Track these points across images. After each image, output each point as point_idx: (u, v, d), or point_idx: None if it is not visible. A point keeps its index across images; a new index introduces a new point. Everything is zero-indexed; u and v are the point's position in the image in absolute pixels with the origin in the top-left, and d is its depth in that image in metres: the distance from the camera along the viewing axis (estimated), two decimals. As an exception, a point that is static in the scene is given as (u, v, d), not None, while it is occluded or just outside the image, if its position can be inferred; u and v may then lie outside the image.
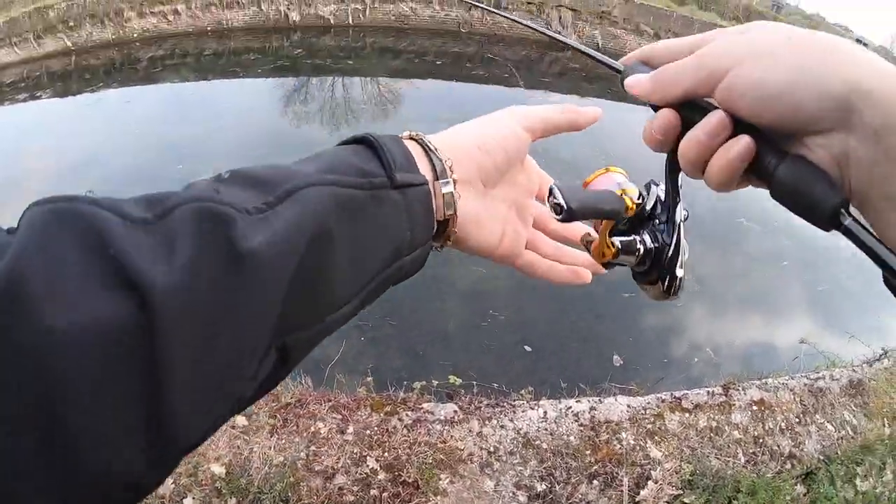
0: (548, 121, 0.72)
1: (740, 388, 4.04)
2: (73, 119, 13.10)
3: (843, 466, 3.76)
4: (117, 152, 10.61)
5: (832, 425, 4.04)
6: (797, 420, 3.97)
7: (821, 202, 0.46)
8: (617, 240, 0.67)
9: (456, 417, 3.72)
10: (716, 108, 0.53)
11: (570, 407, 3.80)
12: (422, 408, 3.80)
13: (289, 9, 18.39)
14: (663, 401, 3.89)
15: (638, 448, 3.58)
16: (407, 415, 3.73)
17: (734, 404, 3.93)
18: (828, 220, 0.46)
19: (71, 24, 16.62)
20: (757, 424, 3.84)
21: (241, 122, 12.20)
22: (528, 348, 5.72)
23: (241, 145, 10.77)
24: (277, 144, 10.92)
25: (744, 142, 0.51)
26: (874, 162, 0.44)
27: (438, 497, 3.30)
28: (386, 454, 3.47)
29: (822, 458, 3.84)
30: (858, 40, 28.07)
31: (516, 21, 1.05)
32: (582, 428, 3.67)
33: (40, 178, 10.02)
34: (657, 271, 0.66)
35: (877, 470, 3.79)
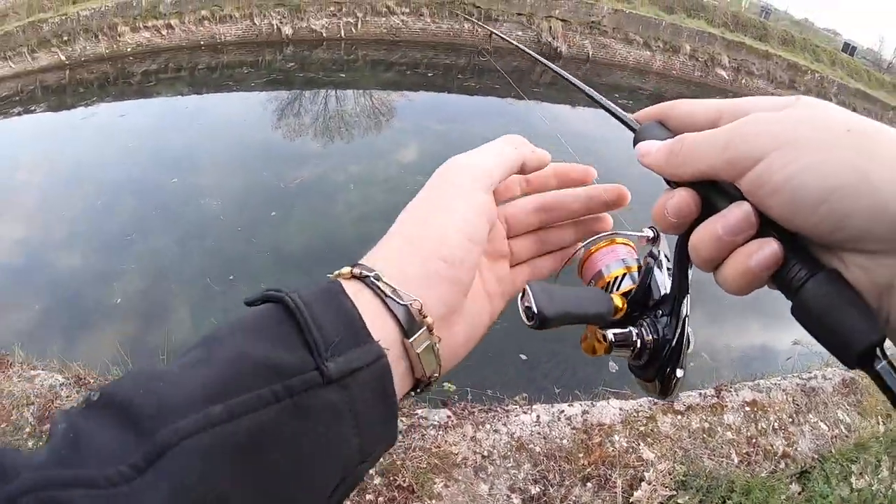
0: (513, 168, 0.60)
1: (732, 390, 4.07)
2: (67, 133, 13.12)
3: (838, 465, 3.79)
4: (111, 165, 10.65)
5: (826, 424, 4.06)
6: (790, 420, 4.00)
7: (852, 337, 0.38)
8: (610, 333, 0.59)
9: (450, 422, 3.73)
10: (742, 196, 0.44)
11: (563, 411, 3.82)
12: (416, 413, 3.81)
13: (281, 23, 18.48)
14: (655, 403, 3.91)
15: (631, 450, 3.60)
16: (401, 420, 3.74)
17: (726, 405, 3.96)
18: (856, 358, 0.38)
19: (65, 38, 16.65)
20: (750, 425, 3.87)
21: (234, 135, 12.25)
22: (524, 356, 5.74)
23: (234, 158, 10.82)
24: (271, 157, 10.98)
25: (770, 249, 0.42)
26: None
27: (433, 501, 3.31)
28: (381, 459, 3.48)
29: (816, 456, 3.86)
30: (847, 44, 28.27)
31: (528, 52, 0.93)
32: (575, 431, 3.69)
33: (33, 190, 10.05)
34: (654, 369, 0.59)
35: (872, 467, 3.82)
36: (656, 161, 0.51)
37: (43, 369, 4.29)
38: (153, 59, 17.22)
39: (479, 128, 12.63)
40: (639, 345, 0.59)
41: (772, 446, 3.81)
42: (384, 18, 18.93)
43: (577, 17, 19.81)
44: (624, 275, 0.64)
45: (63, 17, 16.78)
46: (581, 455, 3.55)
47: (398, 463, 3.43)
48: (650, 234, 0.61)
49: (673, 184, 0.50)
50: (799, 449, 3.84)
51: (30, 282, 7.65)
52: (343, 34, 18.91)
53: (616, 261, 0.66)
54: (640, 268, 0.64)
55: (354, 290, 0.47)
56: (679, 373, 0.58)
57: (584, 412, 3.81)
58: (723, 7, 24.70)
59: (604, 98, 0.64)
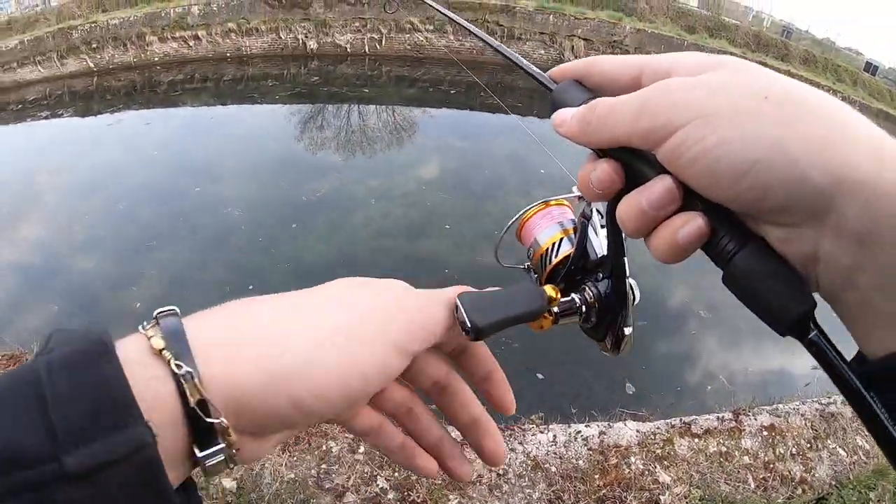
0: (443, 327, 0.50)
1: (751, 414, 4.04)
2: (92, 138, 13.32)
3: (856, 491, 3.73)
4: (134, 172, 10.80)
5: (844, 450, 4.02)
6: (808, 445, 3.95)
7: (784, 307, 0.39)
8: (554, 305, 0.59)
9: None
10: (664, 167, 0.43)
11: (580, 431, 3.81)
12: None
13: (306, 37, 18.70)
14: (673, 426, 3.90)
15: (647, 472, 3.58)
16: (417, 437, 3.74)
17: (744, 430, 3.92)
18: (788, 328, 0.39)
19: (94, 45, 16.97)
20: (767, 450, 3.83)
21: (257, 146, 12.37)
22: (540, 376, 5.73)
23: (257, 169, 10.92)
24: (292, 169, 11.07)
25: (696, 224, 0.42)
26: (855, 268, 0.36)
27: (448, 517, 3.31)
28: (396, 474, 3.48)
29: (834, 483, 3.81)
30: (869, 63, 28.07)
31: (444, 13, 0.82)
32: (591, 452, 3.67)
33: (57, 193, 10.19)
34: (604, 328, 0.60)
35: (890, 495, 3.76)
36: (570, 131, 0.49)
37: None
38: (179, 69, 17.47)
39: (500, 146, 12.66)
40: (584, 309, 0.60)
41: (789, 472, 3.77)
42: (408, 35, 19.08)
43: (599, 36, 19.88)
44: (561, 239, 0.65)
45: (92, 25, 17.10)
46: (597, 476, 3.53)
47: (413, 479, 3.44)
48: (580, 192, 0.57)
49: (599, 151, 0.49)
50: (816, 475, 3.80)
51: (49, 283, 7.75)
52: (367, 50, 19.08)
53: (551, 225, 0.66)
54: (576, 229, 0.64)
55: (145, 362, 0.38)
56: (627, 330, 0.59)
57: (601, 433, 3.80)
58: (744, 27, 24.64)
59: (517, 55, 0.61)
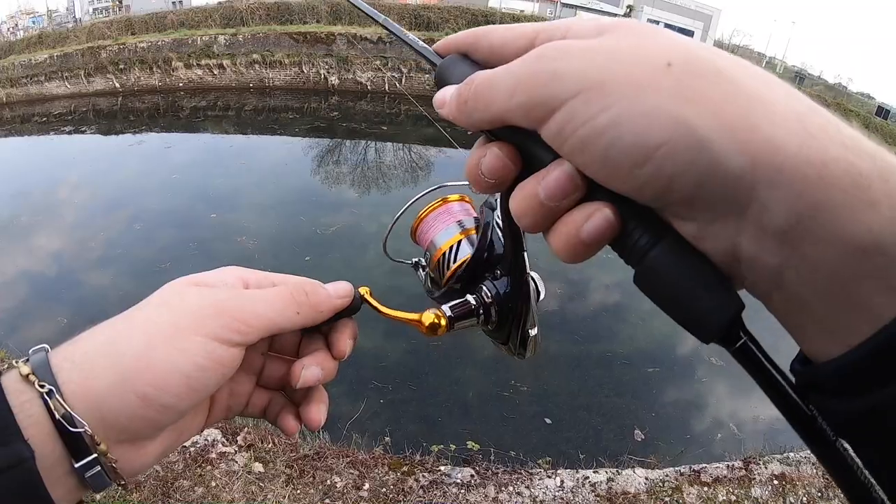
0: (269, 321, 0.49)
1: (761, 462, 3.99)
2: (113, 157, 13.51)
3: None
4: (152, 193, 10.92)
5: (856, 501, 3.94)
6: (819, 494, 3.89)
7: (707, 312, 0.33)
8: (446, 307, 0.56)
9: (472, 482, 3.71)
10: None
11: (588, 477, 3.78)
12: (439, 470, 3.79)
13: (328, 73, 19.00)
14: (682, 474, 3.86)
15: (655, 522, 3.54)
16: (423, 476, 3.72)
17: (754, 478, 3.88)
18: (713, 335, 0.34)
19: (121, 66, 17.31)
20: (778, 499, 3.78)
21: (275, 177, 12.50)
22: (548, 420, 5.69)
23: (273, 200, 10.99)
24: (308, 202, 11.13)
25: (602, 217, 0.35)
26: (782, 267, 0.30)
27: (452, 557, 3.28)
28: (401, 511, 3.46)
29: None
30: (881, 107, 28.13)
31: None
32: (598, 499, 3.64)
33: (76, 208, 10.30)
34: (507, 329, 0.56)
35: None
36: (450, 112, 0.42)
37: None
38: (203, 95, 17.76)
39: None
40: (481, 311, 0.55)
41: (800, 523, 3.71)
42: (427, 76, 19.33)
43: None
44: (460, 241, 0.60)
45: (121, 47, 17.49)
46: (604, 524, 3.49)
47: (417, 515, 3.41)
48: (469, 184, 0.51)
49: (489, 134, 0.41)
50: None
51: (61, 296, 7.81)
52: (387, 88, 19.34)
53: (450, 225, 0.61)
54: (478, 228, 0.59)
55: (19, 389, 0.42)
56: (532, 331, 0.54)
57: (609, 479, 3.76)
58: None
59: (402, 30, 0.53)
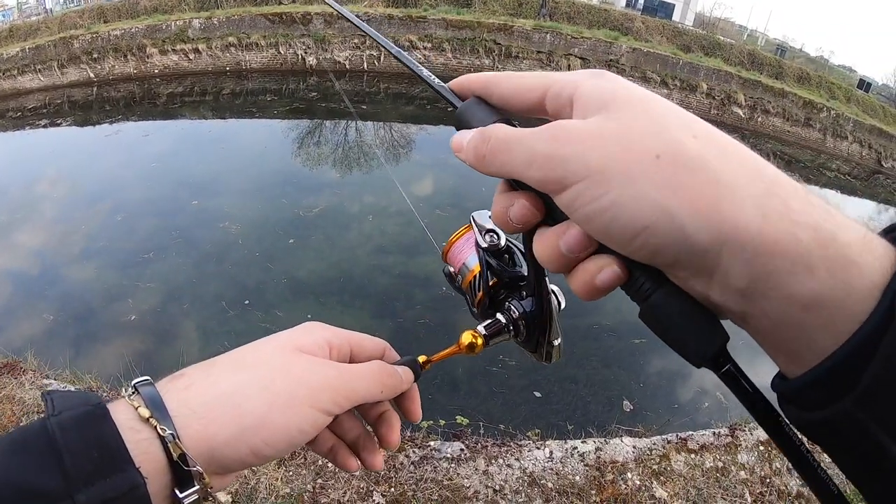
0: (360, 397, 0.58)
1: (747, 429, 4.04)
2: (91, 148, 13.37)
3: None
4: (132, 184, 10.83)
5: (843, 463, 4.00)
6: (808, 454, 3.94)
7: (699, 344, 0.42)
8: (481, 327, 0.64)
9: (462, 456, 3.73)
10: None
11: (576, 447, 3.81)
12: (429, 445, 3.81)
13: (306, 53, 18.80)
14: (669, 442, 3.90)
15: (643, 488, 3.58)
16: (414, 451, 3.74)
17: (740, 445, 3.93)
18: (704, 362, 0.43)
19: (95, 55, 17.07)
20: (764, 464, 3.83)
21: (255, 161, 12.40)
22: (538, 394, 5.73)
23: (254, 184, 10.93)
24: (290, 185, 11.07)
25: (612, 271, 0.43)
26: (744, 314, 0.39)
27: (444, 532, 3.30)
28: (392, 489, 3.48)
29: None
30: (862, 80, 28.31)
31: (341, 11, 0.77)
32: (587, 468, 3.67)
33: (54, 202, 10.21)
34: (535, 340, 0.63)
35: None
36: (467, 159, 0.49)
37: (55, 379, 4.34)
38: (179, 81, 17.58)
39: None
40: (511, 327, 0.63)
41: (786, 486, 3.76)
42: (407, 53, 19.15)
43: (595, 55, 20.06)
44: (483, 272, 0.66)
45: (94, 35, 17.23)
46: (593, 492, 3.53)
47: (409, 494, 3.43)
48: (497, 227, 0.61)
49: (511, 181, 0.48)
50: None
51: (45, 293, 7.76)
52: (366, 66, 19.22)
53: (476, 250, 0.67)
54: (499, 250, 0.66)
55: (135, 427, 0.48)
56: (556, 341, 0.62)
57: (598, 449, 3.80)
58: (739, 46, 24.95)
59: (423, 69, 0.59)
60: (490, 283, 0.65)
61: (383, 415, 0.65)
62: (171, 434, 0.48)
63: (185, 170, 11.72)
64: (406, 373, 0.64)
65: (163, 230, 9.18)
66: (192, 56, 18.05)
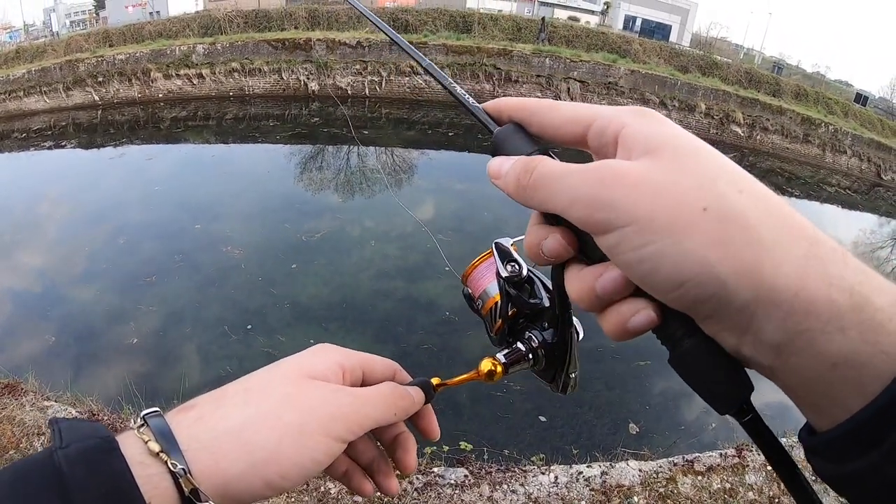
0: (374, 422, 0.57)
1: (754, 450, 4.00)
2: (94, 171, 13.43)
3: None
4: (135, 206, 10.85)
5: (848, 484, 3.96)
6: (813, 478, 3.89)
7: (726, 394, 0.43)
8: (501, 356, 0.63)
9: (467, 482, 3.71)
10: None
11: (582, 472, 3.79)
12: (432, 471, 3.79)
13: (308, 79, 18.95)
14: (675, 464, 3.87)
15: (650, 513, 3.55)
16: (417, 478, 3.72)
17: (748, 465, 3.90)
18: (728, 410, 0.44)
19: (100, 79, 17.19)
20: (772, 485, 3.79)
21: (258, 186, 12.44)
22: (543, 418, 5.70)
23: (257, 208, 10.95)
24: (293, 209, 11.09)
25: (646, 315, 0.43)
26: (774, 368, 0.40)
27: (449, 558, 3.27)
28: (396, 514, 3.45)
29: (843, 511, 3.75)
30: (859, 94, 28.44)
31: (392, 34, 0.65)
32: (593, 493, 3.65)
33: (58, 224, 10.24)
34: (553, 371, 0.63)
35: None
36: (506, 188, 0.49)
37: (56, 401, 4.33)
38: (183, 106, 17.69)
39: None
40: (530, 356, 0.62)
41: (794, 506, 3.73)
42: (407, 78, 19.36)
43: (594, 78, 20.21)
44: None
45: (99, 59, 17.38)
46: (599, 517, 3.50)
47: (412, 520, 3.41)
48: (528, 258, 0.58)
49: (548, 216, 0.48)
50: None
51: (47, 314, 7.76)
52: (367, 92, 19.35)
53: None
54: (520, 280, 0.64)
55: (145, 462, 0.46)
56: (573, 374, 0.62)
57: (603, 473, 3.77)
58: (736, 65, 25.11)
59: (457, 86, 0.58)
60: (509, 313, 0.64)
61: (398, 437, 0.64)
62: (183, 469, 0.46)
63: (188, 193, 11.78)
64: (417, 393, 0.63)
65: (165, 253, 9.19)
66: (195, 81, 18.19)
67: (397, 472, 0.65)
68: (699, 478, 3.79)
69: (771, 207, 0.40)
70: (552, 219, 0.47)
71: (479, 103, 0.54)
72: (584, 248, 0.46)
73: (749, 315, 0.38)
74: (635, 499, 3.62)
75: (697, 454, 4.02)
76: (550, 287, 0.60)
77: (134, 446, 0.47)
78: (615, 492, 3.65)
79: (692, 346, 0.42)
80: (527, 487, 3.68)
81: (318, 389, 0.55)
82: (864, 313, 0.37)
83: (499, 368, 0.63)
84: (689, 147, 0.42)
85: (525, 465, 3.96)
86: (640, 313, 0.43)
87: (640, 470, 3.82)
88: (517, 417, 5.64)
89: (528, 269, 0.64)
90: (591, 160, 0.45)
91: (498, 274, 0.64)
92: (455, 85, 0.58)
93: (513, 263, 0.64)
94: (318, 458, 0.52)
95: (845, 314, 0.37)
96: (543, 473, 3.79)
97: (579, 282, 0.46)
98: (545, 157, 0.48)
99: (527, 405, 5.80)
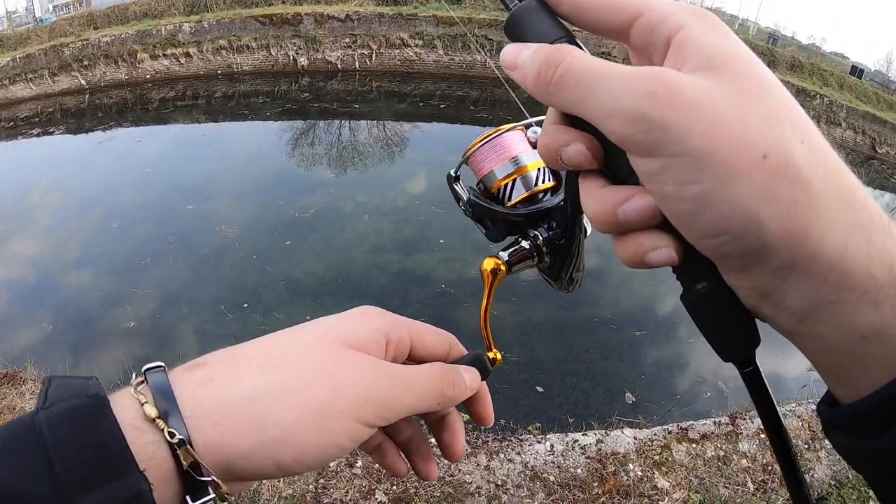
0: (412, 410, 0.50)
1: (747, 417, 4.04)
2: (84, 155, 13.34)
3: (856, 490, 3.73)
4: (127, 190, 10.80)
5: (843, 449, 4.01)
6: (806, 446, 3.96)
7: (733, 343, 0.42)
8: (504, 254, 0.59)
9: (463, 451, 3.73)
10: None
11: (577, 440, 3.82)
12: (430, 441, 3.80)
13: (297, 54, 18.76)
14: (670, 432, 3.91)
15: (645, 479, 3.59)
16: (415, 448, 3.74)
17: (741, 433, 3.94)
18: (733, 359, 0.42)
19: (86, 63, 17.01)
20: (765, 452, 3.83)
21: (249, 164, 12.39)
22: (540, 389, 5.74)
23: (249, 186, 10.91)
24: (285, 186, 11.05)
25: (667, 253, 0.39)
26: (794, 332, 0.38)
27: (447, 529, 3.31)
28: (394, 487, 3.48)
29: (833, 482, 3.80)
30: (855, 66, 28.33)
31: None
32: (589, 460, 3.68)
33: (50, 211, 10.20)
34: (558, 269, 0.60)
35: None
36: (524, 81, 0.42)
37: (56, 387, 4.33)
38: (171, 86, 17.54)
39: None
40: (535, 254, 0.59)
41: (789, 473, 3.77)
42: (398, 51, 19.18)
43: (586, 45, 19.79)
44: (514, 180, 0.61)
45: (84, 43, 17.19)
46: (595, 484, 3.54)
47: (411, 492, 3.44)
48: (541, 159, 0.50)
49: (571, 117, 0.42)
50: (816, 475, 3.80)
51: (42, 301, 7.78)
52: (358, 66, 19.17)
53: (507, 161, 0.61)
54: (527, 170, 0.61)
55: (140, 427, 0.41)
56: (578, 274, 0.60)
57: (599, 441, 3.81)
58: (731, 35, 24.96)
59: None
60: (520, 198, 0.61)
61: (446, 418, 0.57)
62: (182, 440, 0.40)
63: (180, 174, 11.72)
64: (472, 376, 0.55)
65: (159, 235, 9.17)
66: (183, 60, 18.00)
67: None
68: (693, 445, 3.83)
69: (829, 165, 0.36)
70: (576, 120, 0.41)
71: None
72: (610, 162, 0.41)
73: (781, 278, 0.36)
74: (630, 466, 3.66)
75: (692, 422, 4.05)
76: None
77: (128, 408, 0.41)
78: (610, 459, 3.69)
79: (709, 291, 0.40)
80: (523, 456, 3.71)
81: (354, 363, 0.48)
82: None
83: (503, 267, 0.59)
84: (757, 73, 0.37)
85: (521, 435, 3.99)
86: (660, 250, 0.39)
87: (634, 438, 3.85)
88: (514, 388, 5.68)
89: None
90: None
91: (509, 154, 0.61)
92: None
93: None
94: (342, 442, 0.45)
95: (882, 288, 0.35)
96: (539, 442, 3.83)
97: (600, 201, 0.41)
98: (573, 46, 0.41)
99: (524, 375, 5.83)
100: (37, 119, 15.41)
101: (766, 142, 0.35)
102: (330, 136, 14.82)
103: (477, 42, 19.24)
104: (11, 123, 15.18)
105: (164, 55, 17.81)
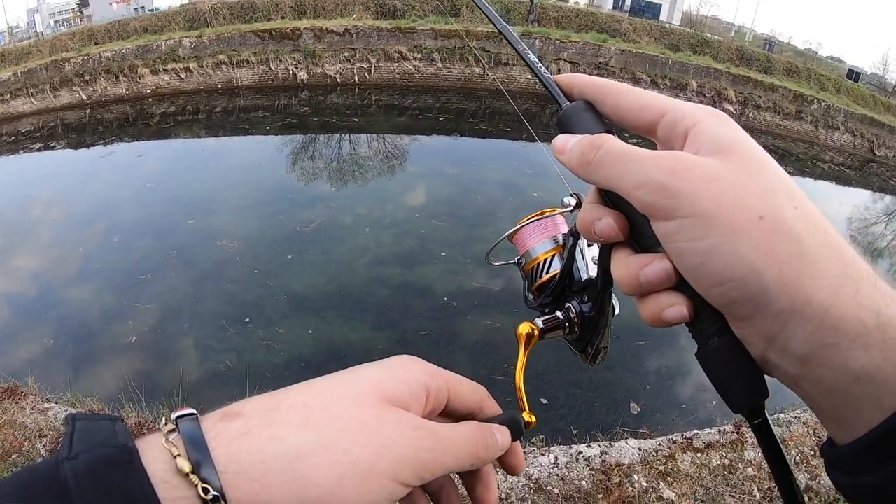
0: (448, 470, 0.49)
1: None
2: (85, 170, 13.38)
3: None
4: (127, 204, 10.80)
5: (849, 455, 3.99)
6: (812, 453, 3.93)
7: (744, 396, 0.46)
8: (539, 321, 0.64)
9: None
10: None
11: (581, 452, 3.80)
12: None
13: (296, 68, 18.84)
14: (674, 442, 3.89)
15: (651, 490, 3.57)
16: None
17: (747, 441, 3.92)
18: (742, 411, 0.47)
19: (86, 77, 17.08)
20: (771, 460, 3.80)
21: (250, 178, 12.40)
22: (544, 401, 5.72)
23: (250, 201, 10.91)
24: (286, 201, 11.06)
25: (680, 311, 0.46)
26: (798, 377, 0.43)
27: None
28: (397, 500, 3.45)
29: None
30: (851, 70, 28.41)
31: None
32: (593, 472, 3.66)
33: (51, 225, 10.21)
34: (586, 342, 0.64)
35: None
36: (570, 163, 0.50)
37: (56, 402, 4.32)
38: (171, 101, 17.60)
39: (492, 170, 12.74)
40: (566, 325, 0.64)
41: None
42: (397, 64, 19.27)
43: (584, 58, 20.13)
44: (553, 256, 0.67)
45: (85, 58, 17.26)
46: (600, 496, 3.52)
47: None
48: (572, 202, 0.63)
49: (604, 193, 0.50)
50: (823, 482, 3.77)
51: (44, 316, 7.75)
52: (357, 79, 19.24)
53: (546, 239, 0.67)
54: (565, 245, 0.66)
55: (171, 482, 0.39)
56: (605, 347, 0.64)
57: (603, 452, 3.78)
58: (727, 42, 25.06)
59: (534, 59, 0.59)
60: (552, 274, 0.66)
61: (479, 472, 0.56)
62: (216, 496, 0.39)
63: (181, 189, 11.73)
64: (504, 437, 0.55)
65: (160, 250, 9.17)
66: (183, 75, 18.07)
67: None
68: (698, 454, 3.81)
69: (818, 226, 0.43)
70: (609, 200, 0.50)
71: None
72: (635, 234, 0.49)
73: (782, 323, 0.41)
74: (635, 477, 3.64)
75: (696, 431, 4.03)
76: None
77: (159, 459, 0.40)
78: (615, 470, 3.67)
79: (720, 345, 0.45)
80: (527, 469, 3.69)
81: (395, 421, 0.47)
82: (887, 333, 0.40)
83: (536, 333, 0.64)
84: (757, 155, 0.45)
85: (525, 447, 3.97)
86: (675, 307, 0.46)
87: (639, 448, 3.83)
88: (517, 400, 5.66)
89: (576, 249, 0.65)
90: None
91: (549, 234, 0.67)
92: (528, 52, 0.60)
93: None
94: (380, 502, 0.44)
95: (871, 332, 0.40)
96: (543, 454, 3.80)
97: (626, 267, 0.49)
98: (612, 136, 0.49)
99: (527, 387, 5.79)
100: (38, 134, 15.46)
101: (763, 206, 0.42)
102: (330, 150, 14.85)
103: (475, 54, 19.32)
104: (13, 138, 15.23)
105: (165, 70, 17.89)
